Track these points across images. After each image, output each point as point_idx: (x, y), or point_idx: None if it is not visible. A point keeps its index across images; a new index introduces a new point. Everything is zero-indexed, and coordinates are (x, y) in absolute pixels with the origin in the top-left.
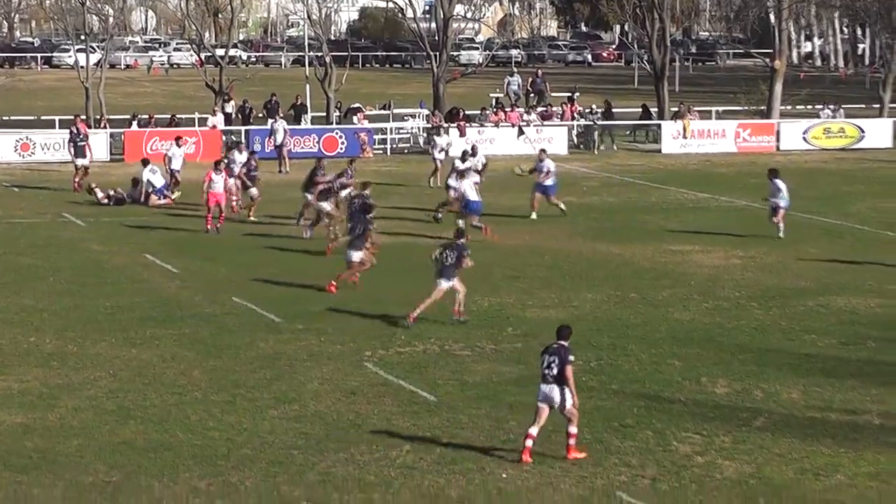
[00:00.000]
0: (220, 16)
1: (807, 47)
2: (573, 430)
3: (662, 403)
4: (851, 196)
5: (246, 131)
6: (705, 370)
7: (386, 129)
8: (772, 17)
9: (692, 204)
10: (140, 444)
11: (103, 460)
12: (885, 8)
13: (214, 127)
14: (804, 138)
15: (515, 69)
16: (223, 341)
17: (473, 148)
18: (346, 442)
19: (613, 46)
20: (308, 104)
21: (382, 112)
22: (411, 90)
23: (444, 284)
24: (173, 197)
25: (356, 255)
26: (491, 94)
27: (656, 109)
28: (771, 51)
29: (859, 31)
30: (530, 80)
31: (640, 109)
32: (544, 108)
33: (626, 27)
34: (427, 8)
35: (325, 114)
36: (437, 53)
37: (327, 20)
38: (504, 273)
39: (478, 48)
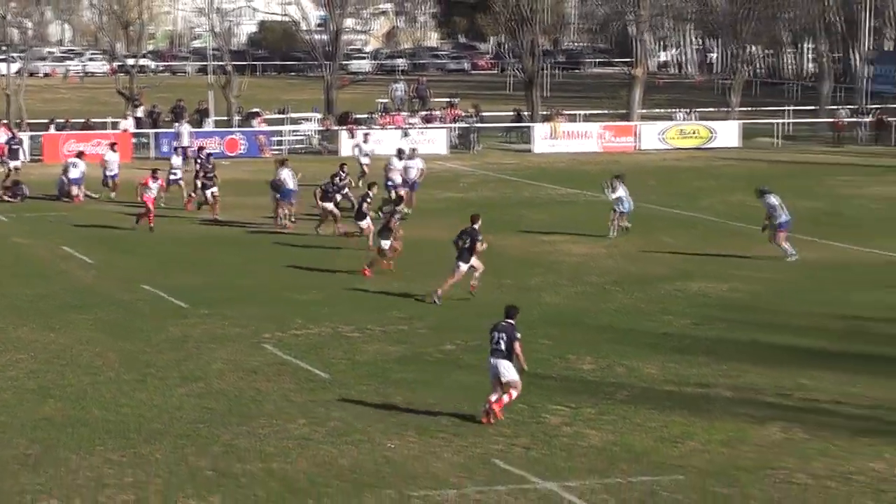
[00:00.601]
0: (130, 28)
1: (663, 56)
2: (506, 399)
3: (535, 379)
4: (703, 191)
5: (154, 134)
6: (573, 349)
7: (282, 131)
8: (631, 29)
9: (561, 198)
10: (58, 421)
11: (24, 435)
12: (732, 21)
13: (126, 130)
14: (661, 139)
15: (400, 77)
16: (135, 325)
17: (413, 151)
18: (247, 416)
19: (489, 56)
20: (211, 109)
21: (279, 116)
22: (306, 96)
23: (463, 267)
24: (98, 196)
25: (386, 244)
26: (378, 100)
27: (528, 113)
28: (631, 60)
29: (710, 42)
30: (414, 86)
31: (514, 113)
32: (427, 112)
33: (500, 38)
34: (320, 21)
35: (227, 117)
36: (330, 62)
37: (229, 32)
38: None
39: (366, 58)
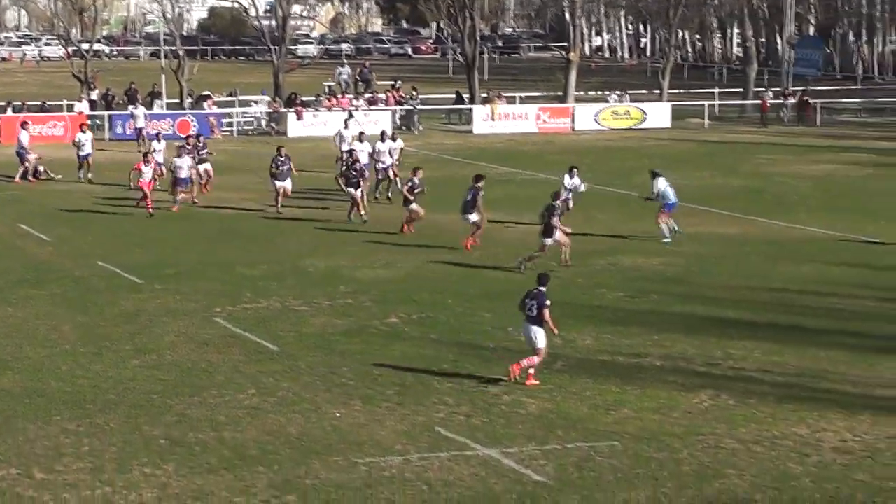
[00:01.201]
0: (84, 14)
1: (597, 41)
2: (535, 360)
3: (475, 350)
4: (636, 169)
5: (108, 116)
6: (512, 321)
7: (232, 113)
8: (567, 15)
9: (500, 177)
10: (17, 392)
11: None
12: (663, 8)
13: (81, 112)
14: (595, 120)
15: (345, 61)
16: (90, 300)
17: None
18: (199, 387)
19: (431, 41)
20: (163, 92)
21: (229, 98)
22: (254, 79)
23: (549, 241)
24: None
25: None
26: (324, 83)
27: (468, 95)
28: (566, 44)
29: (642, 27)
30: (359, 70)
31: (454, 95)
32: (371, 95)
33: (441, 24)
34: (268, 7)
35: (178, 100)
36: (277, 47)
37: (180, 18)
38: (338, 239)
39: (313, 42)
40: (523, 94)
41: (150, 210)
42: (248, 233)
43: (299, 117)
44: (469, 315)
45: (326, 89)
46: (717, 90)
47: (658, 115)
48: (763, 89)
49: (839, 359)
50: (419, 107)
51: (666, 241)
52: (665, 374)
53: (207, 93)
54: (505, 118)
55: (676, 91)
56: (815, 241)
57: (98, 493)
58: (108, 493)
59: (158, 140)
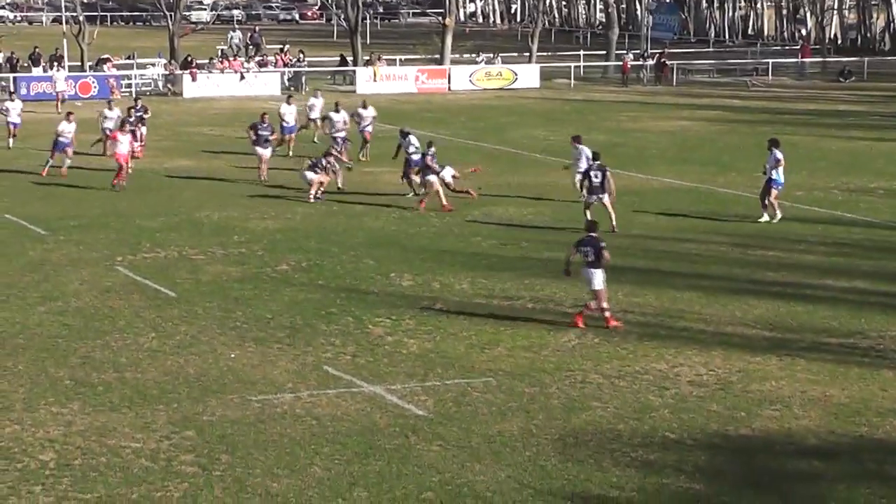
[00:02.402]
0: None
1: (471, 7)
2: (605, 305)
3: (360, 294)
4: (508, 126)
5: (13, 78)
6: (394, 267)
7: (131, 75)
8: None
9: (382, 135)
10: None
11: None
12: None
13: None
14: (470, 81)
15: (237, 26)
16: None
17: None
18: (102, 332)
19: (317, 7)
20: (65, 55)
21: (128, 61)
22: (151, 43)
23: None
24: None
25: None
26: (217, 47)
27: (352, 58)
28: (442, 10)
29: None
30: (249, 34)
31: (339, 58)
32: (261, 58)
33: None
34: None
35: (80, 63)
36: (172, 13)
37: None
38: (230, 192)
39: (206, 9)
40: (403, 57)
41: (116, 182)
42: (146, 186)
43: (194, 79)
44: (354, 262)
45: (219, 53)
46: (581, 53)
47: (528, 76)
48: (624, 52)
49: (694, 299)
50: (306, 69)
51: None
52: (536, 315)
53: (107, 56)
54: (386, 79)
55: (544, 54)
56: (672, 192)
57: (7, 430)
58: (17, 430)
59: (111, 108)
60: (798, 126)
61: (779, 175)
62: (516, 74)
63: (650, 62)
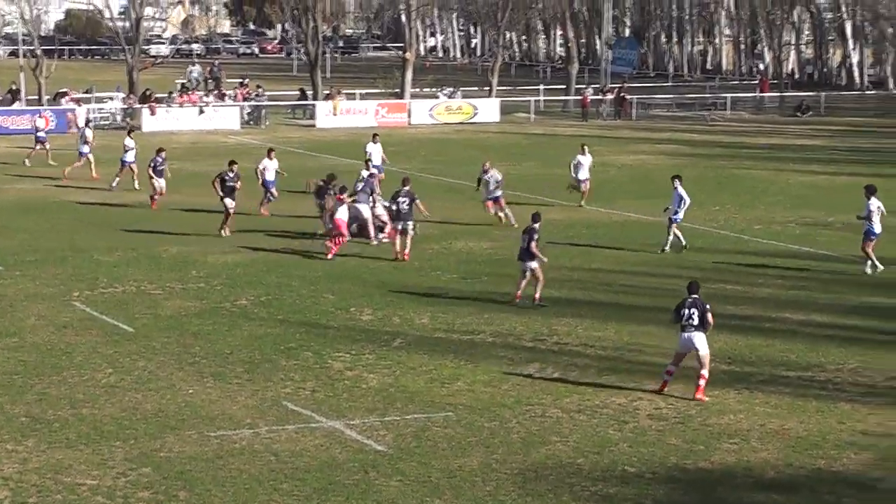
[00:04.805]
0: None
1: (431, 41)
2: (705, 372)
3: (319, 329)
4: (469, 160)
5: None
6: (354, 301)
7: (89, 108)
8: (403, 17)
9: (343, 168)
10: None
11: None
12: (491, 10)
13: None
14: (430, 115)
15: (196, 60)
16: None
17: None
18: (58, 368)
19: (276, 41)
20: (23, 89)
21: (86, 95)
22: (110, 77)
23: (406, 227)
24: None
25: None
26: (176, 80)
27: (311, 92)
28: (403, 44)
29: (472, 29)
30: (209, 68)
31: (299, 92)
32: (220, 92)
33: (286, 26)
34: (122, 9)
35: (37, 97)
36: (131, 47)
37: (38, 19)
38: (189, 226)
39: (165, 42)
40: (363, 91)
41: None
42: (104, 221)
43: (153, 113)
44: (314, 296)
45: (178, 86)
46: (541, 87)
47: (488, 110)
48: (584, 86)
49: (654, 333)
50: (265, 103)
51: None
52: (496, 350)
53: (65, 90)
54: (346, 113)
55: (504, 88)
56: (632, 225)
57: None
58: None
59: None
60: (756, 160)
61: (874, 225)
62: (476, 109)
63: (609, 96)
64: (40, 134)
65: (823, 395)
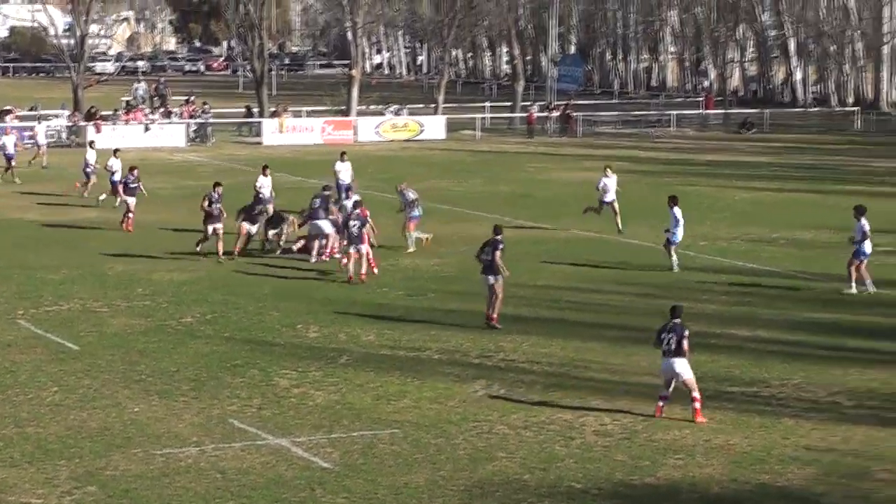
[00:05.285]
0: None
1: (377, 59)
2: (696, 395)
3: (265, 346)
4: (416, 177)
5: None
6: (300, 319)
7: (34, 126)
8: (349, 34)
9: (289, 185)
10: None
11: None
12: (437, 28)
13: None
14: (377, 132)
15: (142, 77)
16: None
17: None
18: (3, 386)
19: (222, 58)
20: None
21: (31, 112)
22: (55, 94)
23: (359, 249)
24: None
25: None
26: (122, 98)
27: (258, 109)
28: (349, 62)
29: (418, 46)
30: (154, 86)
31: (245, 110)
32: (166, 109)
33: (232, 43)
34: (67, 27)
35: None
36: (76, 64)
37: None
38: (134, 244)
39: (110, 60)
40: (309, 109)
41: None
42: (49, 238)
43: (98, 130)
44: (260, 314)
45: (124, 104)
46: (487, 104)
47: (434, 127)
48: (529, 103)
49: (600, 349)
50: (211, 120)
51: (412, 248)
52: (442, 366)
53: (9, 107)
54: (292, 131)
55: (451, 105)
56: (577, 242)
57: None
58: None
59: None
60: (701, 177)
61: (864, 246)
62: (422, 126)
63: (555, 113)
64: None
65: (767, 411)
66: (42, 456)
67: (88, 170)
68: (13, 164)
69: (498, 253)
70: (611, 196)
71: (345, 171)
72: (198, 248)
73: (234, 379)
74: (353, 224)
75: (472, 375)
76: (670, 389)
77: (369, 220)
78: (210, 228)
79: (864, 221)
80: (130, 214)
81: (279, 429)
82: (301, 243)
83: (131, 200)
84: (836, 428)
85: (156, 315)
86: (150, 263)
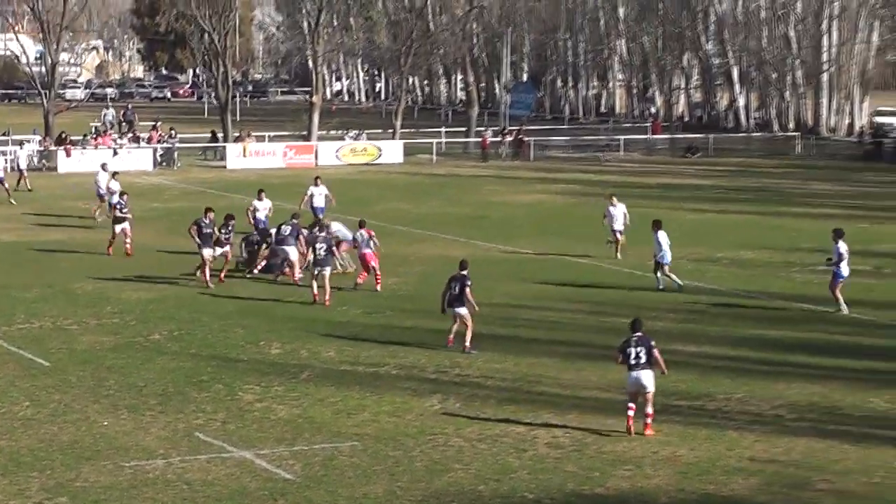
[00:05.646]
0: None
1: (337, 86)
2: (650, 410)
3: (230, 362)
4: (374, 199)
5: None
6: (263, 335)
7: (6, 150)
8: (310, 62)
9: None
10: None
11: None
12: (394, 56)
13: None
14: (337, 156)
15: (110, 103)
16: None
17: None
18: None
19: (188, 85)
20: None
21: (3, 138)
22: (27, 120)
23: (323, 272)
24: None
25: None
26: (91, 123)
27: (222, 134)
28: (310, 89)
29: (377, 73)
30: (122, 112)
31: (210, 135)
32: (133, 135)
33: (197, 70)
34: (38, 55)
35: None
36: (47, 91)
37: None
38: (105, 264)
39: (80, 87)
40: (272, 134)
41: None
42: (21, 259)
43: (68, 155)
44: (224, 331)
45: (93, 129)
46: (443, 129)
47: (392, 151)
48: (484, 128)
49: (552, 365)
50: (178, 145)
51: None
52: (400, 382)
53: None
54: (256, 155)
55: (408, 130)
56: (530, 262)
57: None
58: None
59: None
60: (649, 199)
61: (841, 268)
62: (381, 150)
63: (508, 138)
64: None
65: (713, 424)
66: (14, 468)
67: (101, 192)
68: (6, 185)
69: (467, 290)
70: (618, 225)
71: (318, 196)
72: (196, 274)
73: (199, 394)
74: (321, 247)
75: (428, 390)
76: (637, 401)
77: (374, 239)
78: (207, 253)
79: (841, 244)
80: (128, 242)
81: (243, 442)
82: (263, 264)
83: (119, 227)
84: (778, 440)
85: (124, 332)
86: (118, 283)
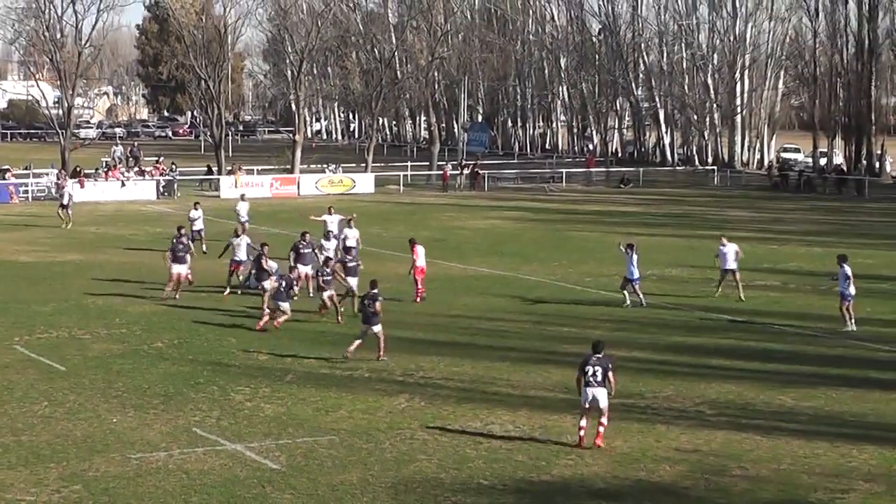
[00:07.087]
0: None
1: (317, 125)
2: (605, 421)
3: (223, 367)
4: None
5: None
6: (252, 344)
7: (28, 183)
8: (293, 105)
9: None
10: None
11: None
12: (366, 100)
13: None
14: (316, 187)
15: (119, 141)
16: None
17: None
18: (1, 402)
19: (187, 126)
20: None
21: (25, 171)
22: (46, 156)
23: (323, 295)
24: None
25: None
26: (102, 158)
27: (216, 168)
28: (293, 128)
29: (351, 115)
30: (129, 148)
31: (206, 168)
32: (139, 169)
33: (195, 112)
34: (56, 100)
35: None
36: (64, 130)
37: None
38: (114, 281)
39: (92, 127)
40: (259, 167)
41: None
42: (40, 277)
43: (82, 186)
44: (218, 340)
45: (104, 164)
46: (409, 164)
47: (364, 183)
48: (444, 163)
49: (503, 368)
50: (178, 177)
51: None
52: (372, 383)
53: (7, 167)
54: (245, 186)
55: (378, 164)
56: (485, 278)
57: None
58: None
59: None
60: (587, 224)
61: (847, 289)
62: (355, 181)
63: (465, 171)
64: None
65: (643, 419)
66: (35, 460)
67: (243, 219)
68: (70, 212)
69: (378, 305)
70: (730, 265)
71: (332, 223)
72: (175, 296)
73: (196, 394)
74: (326, 271)
75: (396, 390)
76: (587, 417)
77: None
78: (173, 270)
79: (846, 267)
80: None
81: (235, 436)
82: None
83: (181, 268)
84: (699, 432)
85: (131, 341)
86: (125, 297)
